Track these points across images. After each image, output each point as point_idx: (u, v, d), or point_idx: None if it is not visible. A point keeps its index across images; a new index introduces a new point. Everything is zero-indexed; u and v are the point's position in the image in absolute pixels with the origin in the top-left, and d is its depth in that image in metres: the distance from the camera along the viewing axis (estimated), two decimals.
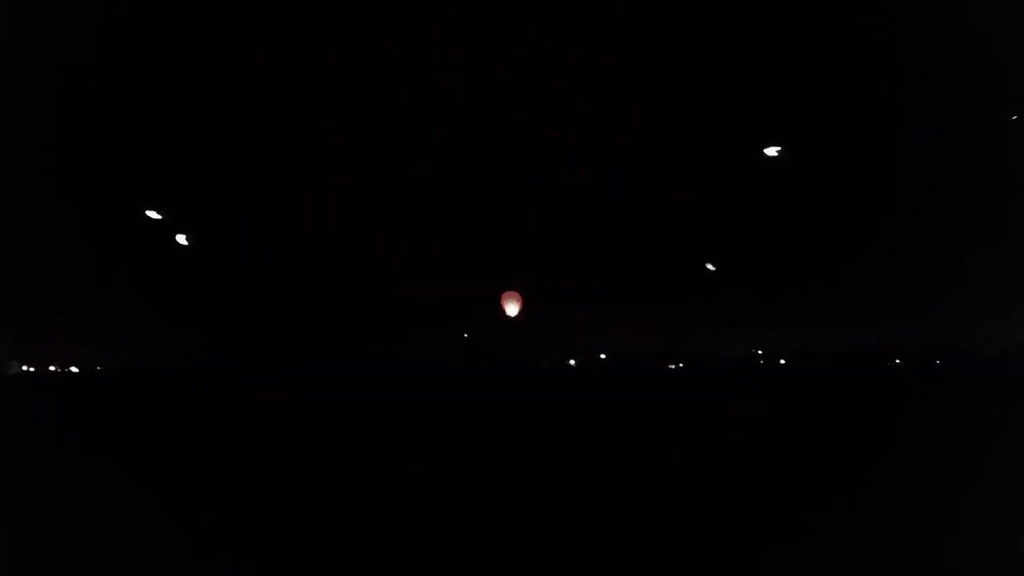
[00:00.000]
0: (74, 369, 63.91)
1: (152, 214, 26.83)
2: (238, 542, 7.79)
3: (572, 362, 64.96)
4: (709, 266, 33.00)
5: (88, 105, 38.73)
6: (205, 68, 38.33)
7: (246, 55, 38.50)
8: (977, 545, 7.38)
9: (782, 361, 63.36)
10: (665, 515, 8.78)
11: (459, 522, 8.58)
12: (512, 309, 35.52)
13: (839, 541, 7.59)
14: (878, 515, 8.49)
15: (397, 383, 37.62)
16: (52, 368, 62.70)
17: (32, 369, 60.99)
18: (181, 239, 27.42)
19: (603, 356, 64.27)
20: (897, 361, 56.88)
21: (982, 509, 8.68)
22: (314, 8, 37.60)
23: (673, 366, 59.31)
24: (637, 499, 9.68)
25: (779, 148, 23.30)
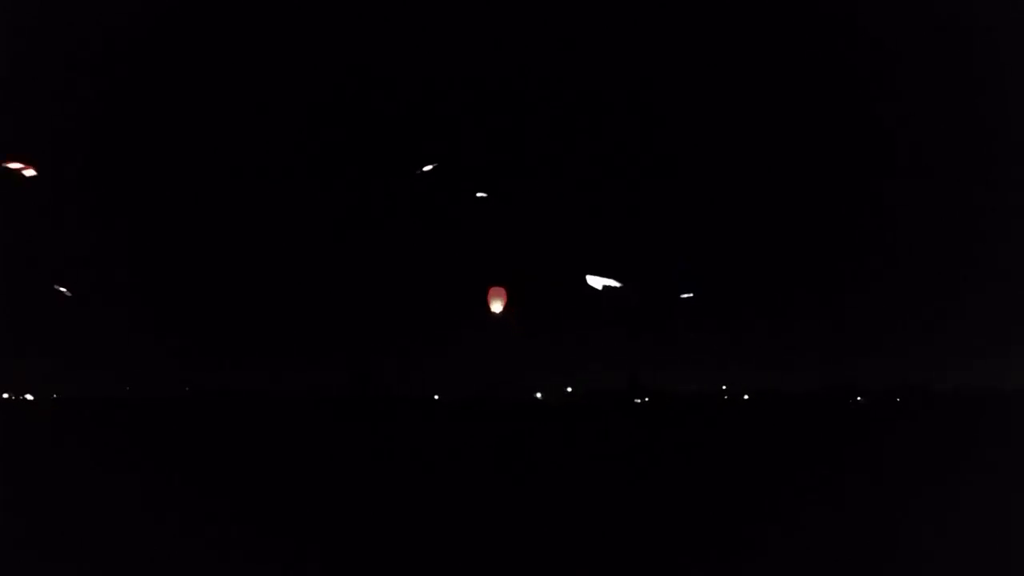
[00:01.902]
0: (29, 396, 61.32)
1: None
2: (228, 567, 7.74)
3: (539, 395, 64.55)
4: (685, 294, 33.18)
5: (87, 107, 38.27)
6: (204, 76, 38.13)
7: (245, 56, 38.40)
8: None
9: (745, 396, 63.66)
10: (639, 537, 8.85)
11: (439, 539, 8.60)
12: (496, 306, 35.33)
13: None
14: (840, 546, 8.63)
15: (382, 406, 37.28)
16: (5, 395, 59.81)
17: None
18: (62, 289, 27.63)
19: (569, 389, 63.94)
20: (859, 399, 57.61)
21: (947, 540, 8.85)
22: (313, 8, 37.69)
23: (638, 400, 59.33)
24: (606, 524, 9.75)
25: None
